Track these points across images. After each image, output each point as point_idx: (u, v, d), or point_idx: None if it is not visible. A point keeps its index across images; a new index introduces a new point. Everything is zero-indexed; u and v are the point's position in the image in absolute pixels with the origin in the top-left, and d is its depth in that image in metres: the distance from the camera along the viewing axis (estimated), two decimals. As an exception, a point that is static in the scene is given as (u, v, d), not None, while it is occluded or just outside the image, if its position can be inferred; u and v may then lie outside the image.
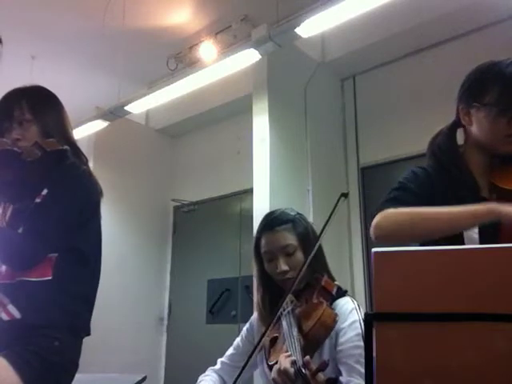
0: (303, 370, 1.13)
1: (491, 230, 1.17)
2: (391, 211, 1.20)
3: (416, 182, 1.30)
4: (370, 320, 0.72)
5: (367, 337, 0.72)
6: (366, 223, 3.87)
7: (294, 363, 1.20)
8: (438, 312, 0.70)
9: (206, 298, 4.54)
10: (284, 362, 1.23)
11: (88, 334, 1.45)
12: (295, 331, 1.33)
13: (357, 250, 3.87)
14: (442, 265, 0.73)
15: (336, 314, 1.38)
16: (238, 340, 1.69)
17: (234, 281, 4.32)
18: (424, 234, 1.17)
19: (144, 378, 1.93)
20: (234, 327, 4.08)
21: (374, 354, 0.70)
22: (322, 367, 1.13)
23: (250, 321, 1.70)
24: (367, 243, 3.79)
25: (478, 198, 1.24)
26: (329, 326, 1.36)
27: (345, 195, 1.25)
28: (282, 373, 1.21)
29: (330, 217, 1.24)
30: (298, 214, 1.61)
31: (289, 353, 1.27)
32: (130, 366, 4.16)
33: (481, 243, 1.17)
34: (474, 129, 1.29)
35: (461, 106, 1.32)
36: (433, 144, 1.37)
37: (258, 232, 1.59)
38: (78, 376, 1.40)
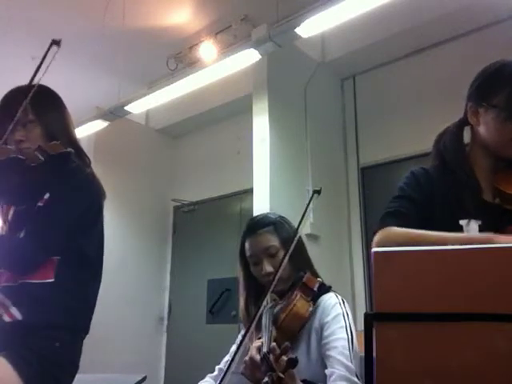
0: (267, 355, 1.16)
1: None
2: (391, 231, 1.19)
3: (414, 185, 1.30)
4: (370, 320, 0.71)
5: (367, 337, 0.72)
6: (366, 223, 3.87)
7: (259, 350, 1.25)
8: (437, 312, 0.70)
9: (206, 298, 4.54)
10: (252, 350, 1.29)
11: (86, 332, 1.45)
12: (270, 325, 1.37)
13: (357, 250, 3.87)
14: (441, 265, 0.73)
15: (310, 304, 1.39)
16: (233, 347, 1.70)
17: (233, 281, 4.31)
18: None
19: (144, 378, 1.93)
20: (234, 327, 4.08)
21: (374, 354, 0.70)
22: (285, 350, 1.15)
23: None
24: (367, 243, 3.79)
25: (479, 201, 1.23)
26: (302, 316, 1.38)
27: (317, 192, 1.26)
28: (249, 360, 1.28)
29: (303, 215, 1.25)
30: (280, 216, 1.64)
31: (259, 341, 1.31)
32: (130, 366, 4.16)
33: None
34: (481, 129, 1.27)
35: (469, 105, 1.30)
36: (439, 142, 1.36)
37: (242, 237, 1.63)
38: (78, 376, 1.40)
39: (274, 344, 1.18)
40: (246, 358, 1.30)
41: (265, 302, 1.39)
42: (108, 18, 3.77)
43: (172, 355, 4.74)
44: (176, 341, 4.74)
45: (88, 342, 1.44)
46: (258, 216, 1.66)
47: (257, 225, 1.59)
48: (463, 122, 1.34)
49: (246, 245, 1.59)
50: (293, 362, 1.13)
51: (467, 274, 0.71)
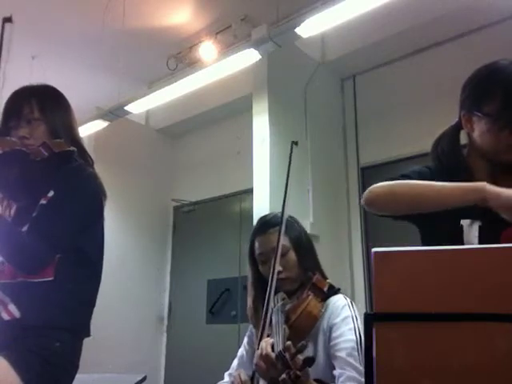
0: (283, 353, 1.16)
1: (492, 235, 1.17)
2: (385, 182, 1.27)
3: (415, 173, 1.32)
4: (370, 320, 0.71)
5: (367, 337, 0.72)
6: (366, 223, 3.87)
7: (273, 348, 1.24)
8: (438, 312, 0.70)
9: (206, 298, 4.54)
10: (265, 346, 1.28)
11: (88, 335, 1.45)
12: (282, 323, 1.37)
13: (357, 250, 3.87)
14: (441, 265, 0.73)
15: (322, 305, 1.41)
16: (241, 350, 1.70)
17: (233, 281, 4.32)
18: (413, 204, 1.22)
19: (144, 378, 1.94)
20: (234, 327, 4.07)
21: (374, 355, 0.71)
22: (301, 349, 1.16)
23: (249, 328, 1.71)
24: (367, 243, 3.79)
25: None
26: (314, 315, 1.39)
27: (295, 143, 1.33)
28: (264, 357, 1.26)
29: (289, 167, 1.29)
30: (290, 217, 1.65)
31: (268, 338, 1.31)
32: (130, 366, 4.16)
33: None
34: (476, 136, 1.27)
35: (462, 113, 1.30)
36: (436, 147, 1.36)
37: (252, 236, 1.64)
38: (78, 376, 1.40)
39: (289, 342, 1.19)
40: (258, 352, 1.29)
41: (274, 301, 1.40)
42: (108, 17, 3.77)
43: (172, 355, 4.73)
44: (176, 341, 4.74)
45: (88, 342, 1.44)
46: (268, 215, 1.67)
47: (267, 224, 1.61)
48: (458, 126, 1.34)
49: (256, 244, 1.60)
50: (310, 361, 1.14)
51: (467, 274, 0.71)
